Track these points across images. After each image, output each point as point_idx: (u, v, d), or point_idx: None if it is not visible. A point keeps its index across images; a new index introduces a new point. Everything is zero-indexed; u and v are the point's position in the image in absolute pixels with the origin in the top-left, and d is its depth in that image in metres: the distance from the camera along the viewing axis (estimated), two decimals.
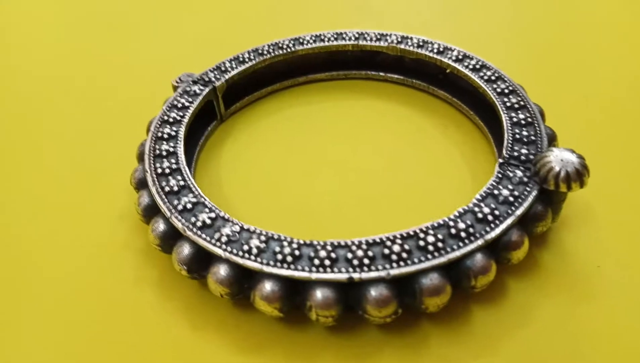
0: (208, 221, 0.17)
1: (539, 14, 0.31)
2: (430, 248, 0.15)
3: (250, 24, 0.31)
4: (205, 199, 0.17)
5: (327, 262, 0.15)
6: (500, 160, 0.18)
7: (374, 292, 0.15)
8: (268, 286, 0.15)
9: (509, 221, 0.16)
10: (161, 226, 0.17)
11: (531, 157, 0.18)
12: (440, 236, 0.15)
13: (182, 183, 0.18)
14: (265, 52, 0.25)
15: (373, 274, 0.15)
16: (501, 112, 0.20)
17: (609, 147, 0.22)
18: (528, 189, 0.17)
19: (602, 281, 0.17)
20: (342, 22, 0.30)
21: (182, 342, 0.16)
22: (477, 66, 0.23)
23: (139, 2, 0.36)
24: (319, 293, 0.15)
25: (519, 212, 0.16)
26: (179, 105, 0.22)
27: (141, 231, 0.19)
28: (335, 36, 0.26)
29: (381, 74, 0.26)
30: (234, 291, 0.16)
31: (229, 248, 0.16)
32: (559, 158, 0.17)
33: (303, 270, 0.15)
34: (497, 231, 0.16)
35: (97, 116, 0.25)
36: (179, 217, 0.17)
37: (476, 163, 0.21)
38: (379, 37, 0.25)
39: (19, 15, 0.36)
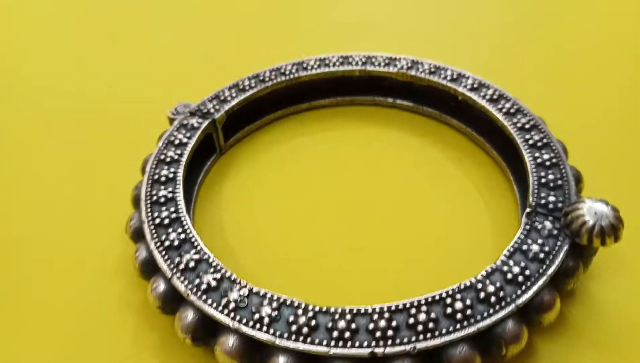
0: (213, 284, 0.15)
1: (560, 38, 0.30)
2: (459, 316, 0.14)
3: (250, 47, 0.30)
4: (209, 256, 0.16)
5: (346, 334, 0.14)
6: (528, 209, 0.17)
7: None
8: (282, 360, 0.14)
9: (541, 281, 0.15)
10: (162, 286, 0.16)
11: (559, 205, 0.17)
12: (468, 302, 0.14)
13: (182, 235, 0.17)
14: (266, 79, 0.23)
15: (398, 348, 0.13)
16: (523, 152, 0.19)
17: (635, 187, 0.20)
18: (559, 243, 0.16)
19: (638, 336, 0.16)
20: (349, 43, 0.28)
21: None
22: (495, 97, 0.21)
23: (130, 23, 0.34)
24: None
25: (550, 271, 0.15)
26: (176, 141, 0.20)
27: (138, 286, 0.17)
28: (341, 60, 0.24)
29: (389, 100, 0.24)
30: None
31: (238, 317, 0.14)
32: (592, 211, 0.15)
33: (321, 343, 0.14)
34: (529, 293, 0.14)
35: (88, 152, 0.24)
36: (182, 278, 0.15)
37: (495, 202, 0.20)
38: (387, 61, 0.24)
39: (13, 47, 0.33)
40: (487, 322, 0.14)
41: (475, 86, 0.22)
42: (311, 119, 0.25)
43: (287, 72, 0.24)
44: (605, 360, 0.16)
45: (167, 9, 0.35)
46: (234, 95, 0.23)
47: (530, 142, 0.19)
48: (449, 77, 0.22)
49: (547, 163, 0.18)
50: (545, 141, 0.19)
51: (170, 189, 0.18)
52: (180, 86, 0.26)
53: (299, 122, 0.24)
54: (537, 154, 0.19)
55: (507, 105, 0.21)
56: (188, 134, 0.21)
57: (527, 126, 0.20)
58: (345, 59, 0.24)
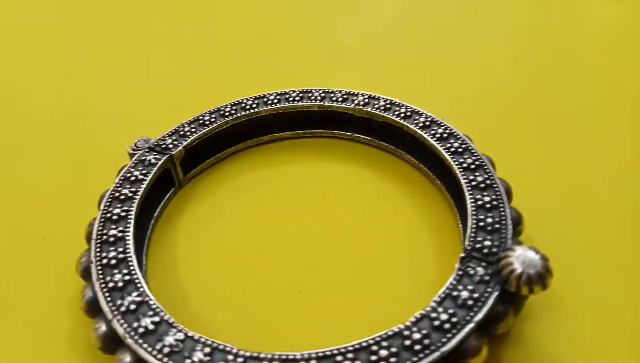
0: (151, 327, 0.16)
1: (518, 83, 0.30)
2: None
3: (211, 82, 0.30)
4: (150, 299, 0.16)
5: None
6: (462, 254, 0.17)
7: None
8: None
9: (467, 329, 0.15)
10: (103, 327, 0.16)
11: (494, 250, 0.17)
12: (393, 349, 0.15)
13: (127, 277, 0.17)
14: (227, 113, 0.24)
15: None
16: (465, 192, 0.19)
17: (577, 228, 0.21)
18: (489, 290, 0.16)
19: None
20: (311, 78, 0.29)
21: None
22: (445, 135, 0.22)
23: (91, 59, 0.34)
24: None
25: (478, 318, 0.15)
26: (132, 178, 0.21)
27: (89, 324, 0.18)
28: (300, 95, 0.25)
29: (348, 133, 0.25)
30: None
31: (170, 361, 0.15)
32: (521, 259, 0.16)
33: None
34: (454, 341, 0.15)
35: (48, 184, 0.24)
36: (122, 321, 0.16)
37: (442, 240, 0.20)
38: (345, 97, 0.24)
39: None
40: None
41: (427, 123, 0.22)
42: (272, 152, 0.25)
43: (248, 106, 0.24)
44: None
45: (132, 45, 0.36)
46: (194, 130, 0.23)
47: (474, 182, 0.20)
48: (402, 114, 0.23)
49: (488, 205, 0.19)
50: (488, 182, 0.20)
51: (120, 228, 0.19)
52: (144, 121, 0.27)
53: (259, 154, 0.25)
54: (478, 196, 0.19)
55: (456, 144, 0.21)
56: (144, 171, 0.21)
57: (472, 166, 0.20)
58: (305, 94, 0.25)
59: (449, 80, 0.30)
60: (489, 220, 0.18)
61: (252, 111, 0.24)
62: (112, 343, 0.16)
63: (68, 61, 0.34)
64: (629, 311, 0.18)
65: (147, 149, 0.22)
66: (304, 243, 0.21)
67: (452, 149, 0.21)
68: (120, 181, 0.21)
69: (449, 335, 0.15)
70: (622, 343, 0.17)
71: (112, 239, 0.18)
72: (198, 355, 0.15)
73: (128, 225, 0.19)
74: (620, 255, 0.20)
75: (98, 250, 0.18)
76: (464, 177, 0.20)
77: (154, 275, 0.19)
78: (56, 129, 0.28)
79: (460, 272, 0.17)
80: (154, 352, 0.15)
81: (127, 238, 0.18)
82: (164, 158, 0.22)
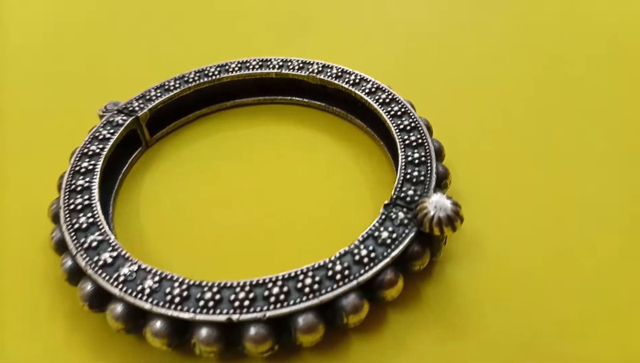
0: (109, 260, 0.18)
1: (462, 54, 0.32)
2: (307, 290, 0.17)
3: (176, 51, 0.32)
4: (110, 237, 0.19)
5: (210, 304, 0.16)
6: (387, 201, 0.19)
7: (251, 331, 0.16)
8: (157, 324, 0.16)
9: (383, 263, 0.17)
10: (69, 262, 0.18)
11: (416, 198, 0.19)
12: (317, 278, 0.17)
13: (91, 219, 0.19)
14: (190, 80, 0.26)
15: (251, 315, 0.16)
16: (399, 150, 0.21)
17: (502, 184, 0.23)
18: (406, 231, 0.18)
19: (477, 316, 0.18)
20: (269, 48, 0.31)
21: None
22: (387, 100, 0.24)
23: (70, 28, 0.36)
24: (202, 332, 0.16)
25: (394, 254, 0.18)
26: (100, 136, 0.23)
27: (56, 263, 0.20)
28: (260, 63, 0.27)
29: (305, 100, 0.27)
30: (129, 327, 0.17)
31: (124, 288, 0.17)
32: (434, 204, 0.18)
33: (188, 310, 0.16)
34: (370, 273, 0.17)
35: (26, 142, 0.26)
36: (84, 255, 0.18)
37: (379, 192, 0.22)
38: (301, 65, 0.26)
39: None
40: (330, 295, 0.17)
41: (373, 90, 0.24)
42: (234, 117, 0.27)
43: (210, 73, 0.26)
44: (447, 332, 0.18)
45: (105, 13, 0.37)
46: (159, 94, 0.25)
47: (407, 141, 0.22)
48: (352, 81, 0.25)
49: (417, 161, 0.21)
50: (420, 141, 0.22)
51: (87, 179, 0.21)
52: (113, 87, 0.29)
53: (222, 119, 0.27)
54: (409, 153, 0.21)
55: (396, 108, 0.23)
56: (112, 130, 0.23)
57: (408, 127, 0.22)
58: (264, 62, 0.27)
59: (397, 50, 0.32)
60: (415, 173, 0.20)
61: (214, 78, 0.26)
62: (75, 275, 0.18)
63: (47, 26, 0.36)
64: (537, 257, 0.20)
65: (116, 112, 0.24)
66: (258, 195, 0.23)
67: (392, 113, 0.23)
68: (90, 139, 0.23)
69: (366, 268, 0.17)
70: (529, 285, 0.19)
71: (79, 188, 0.21)
72: (148, 282, 0.17)
73: (94, 177, 0.21)
74: (533, 209, 0.22)
75: (66, 197, 0.20)
76: (399, 136, 0.22)
77: (120, 221, 0.22)
78: (34, 92, 0.30)
79: (383, 216, 0.19)
80: (111, 281, 0.17)
81: (93, 187, 0.21)
82: (130, 119, 0.24)
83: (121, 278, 0.17)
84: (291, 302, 0.16)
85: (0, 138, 0.27)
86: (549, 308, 0.18)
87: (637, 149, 0.24)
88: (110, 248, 0.18)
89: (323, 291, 0.17)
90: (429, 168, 0.21)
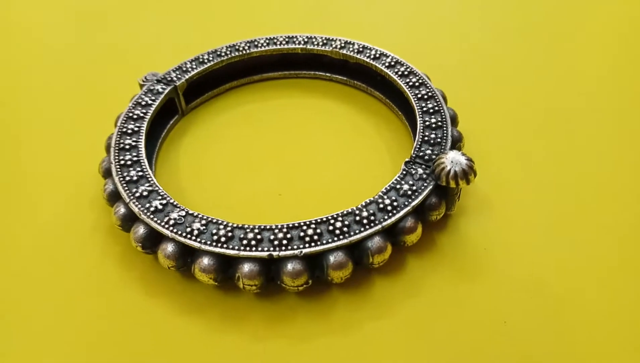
0: (160, 207, 0.20)
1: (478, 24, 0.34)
2: (337, 232, 0.19)
3: (210, 27, 0.34)
4: (159, 188, 0.21)
5: (253, 242, 0.19)
6: (407, 159, 0.21)
7: (289, 266, 0.18)
8: (205, 260, 0.19)
9: (405, 210, 0.19)
10: (122, 209, 0.21)
11: (433, 157, 0.21)
12: (346, 222, 0.19)
13: (140, 173, 0.21)
14: (222, 54, 0.28)
15: (289, 252, 0.18)
16: (417, 117, 0.23)
17: (510, 149, 0.25)
18: (425, 184, 0.20)
19: (486, 263, 0.21)
20: (297, 25, 0.33)
21: (137, 306, 0.19)
22: (406, 72, 0.26)
23: (109, 6, 0.38)
24: (245, 267, 0.18)
25: (414, 203, 0.20)
26: (143, 103, 0.25)
27: (108, 214, 0.22)
28: (286, 40, 0.29)
29: (327, 74, 0.29)
30: (179, 264, 0.19)
31: (175, 230, 0.19)
32: (450, 159, 0.20)
33: (233, 248, 0.18)
34: (393, 218, 0.19)
35: (72, 110, 0.29)
36: (136, 202, 0.20)
37: (400, 156, 0.25)
38: (325, 41, 0.28)
39: None
40: (358, 236, 0.19)
41: (392, 63, 0.26)
42: (262, 89, 0.29)
43: (241, 48, 0.28)
44: (458, 275, 0.20)
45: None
46: (194, 66, 0.27)
47: (425, 109, 0.24)
48: (372, 56, 0.27)
49: (434, 125, 0.23)
50: (436, 108, 0.24)
51: (134, 139, 0.23)
52: (151, 59, 0.31)
53: (251, 91, 0.29)
54: (427, 118, 0.23)
55: (414, 80, 0.25)
56: (153, 98, 0.25)
57: (425, 96, 0.24)
58: (290, 39, 0.29)
59: (416, 26, 0.34)
60: (433, 136, 0.22)
61: (244, 52, 0.28)
62: (129, 221, 0.20)
63: (89, 7, 0.38)
64: (540, 214, 0.22)
65: (155, 81, 0.26)
66: (286, 158, 0.25)
67: (411, 84, 0.25)
68: (134, 105, 0.25)
69: (390, 214, 0.19)
70: (532, 238, 0.21)
71: (127, 146, 0.23)
72: (196, 225, 0.19)
73: (140, 137, 0.23)
74: (538, 173, 0.24)
75: (116, 154, 0.22)
76: (417, 105, 0.24)
77: (162, 177, 0.24)
78: (82, 66, 0.32)
79: (404, 172, 0.21)
80: (162, 224, 0.19)
81: (140, 146, 0.23)
82: (169, 88, 0.26)
83: (171, 222, 0.19)
84: (324, 242, 0.19)
85: (51, 104, 0.29)
86: (549, 258, 0.21)
87: None
88: (159, 197, 0.20)
89: (352, 233, 0.19)
90: (445, 132, 0.23)
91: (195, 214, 0.20)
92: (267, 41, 0.29)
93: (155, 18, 0.36)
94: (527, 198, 0.23)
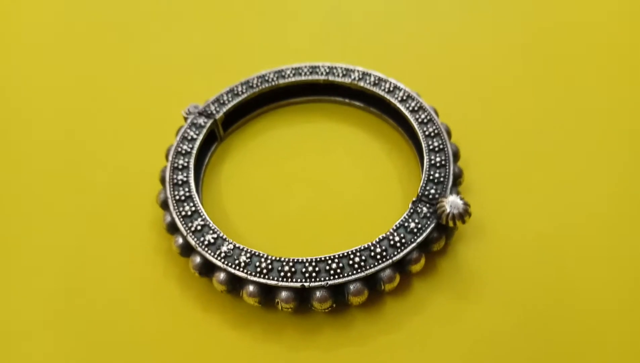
0: (212, 241, 0.25)
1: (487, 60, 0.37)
2: (356, 266, 0.23)
3: (240, 56, 0.37)
4: (210, 222, 0.25)
5: (289, 274, 0.23)
6: (414, 198, 0.25)
7: (317, 294, 0.23)
8: (250, 288, 0.23)
9: (411, 246, 0.24)
10: (180, 240, 0.25)
11: (437, 196, 0.25)
12: (363, 257, 0.24)
13: (193, 208, 0.26)
14: (254, 85, 0.31)
15: (317, 283, 0.23)
16: (425, 155, 0.27)
17: (505, 180, 0.29)
18: (428, 222, 0.25)
19: (483, 283, 0.25)
20: (316, 52, 0.36)
21: (194, 321, 0.24)
22: (416, 108, 0.29)
23: (142, 33, 0.41)
24: (283, 294, 0.23)
25: (419, 239, 0.24)
26: (189, 137, 0.29)
27: (166, 238, 0.27)
28: (310, 70, 0.32)
29: (346, 100, 0.33)
30: (229, 289, 0.24)
31: (225, 262, 0.24)
32: (450, 203, 0.24)
33: (273, 279, 0.23)
34: (402, 254, 0.24)
35: (122, 138, 0.33)
36: (192, 236, 0.25)
37: (408, 186, 0.29)
38: (345, 72, 0.32)
39: (30, 38, 0.41)
40: (373, 270, 0.23)
41: (404, 98, 0.30)
42: (288, 114, 0.33)
43: (270, 79, 0.32)
44: (458, 295, 0.25)
45: (172, 25, 0.42)
46: (229, 99, 0.31)
47: (431, 147, 0.28)
48: (387, 89, 0.30)
49: (438, 164, 0.27)
50: (441, 146, 0.27)
51: (185, 174, 0.27)
52: (186, 88, 0.35)
53: (279, 116, 0.33)
54: (432, 157, 0.27)
55: (423, 116, 0.29)
56: (197, 131, 0.29)
57: (432, 134, 0.28)
58: (313, 69, 0.32)
59: (428, 59, 0.37)
60: (437, 175, 0.26)
61: (273, 83, 0.32)
62: (186, 250, 0.25)
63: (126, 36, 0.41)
64: (532, 240, 0.26)
65: (197, 114, 0.30)
66: (311, 184, 0.29)
67: (420, 120, 0.29)
68: (181, 139, 0.29)
69: (399, 250, 0.24)
70: (524, 261, 0.26)
71: (180, 182, 0.27)
72: (242, 258, 0.24)
73: (190, 173, 0.27)
74: (530, 202, 0.28)
75: (171, 190, 0.27)
76: (424, 142, 0.28)
77: (207, 207, 0.28)
78: (124, 96, 0.36)
79: (411, 210, 0.25)
80: (215, 256, 0.24)
81: (191, 181, 0.27)
82: (210, 121, 0.30)
83: (222, 254, 0.24)
84: (345, 275, 0.23)
85: (106, 128, 0.33)
86: (541, 279, 0.25)
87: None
88: (211, 231, 0.25)
89: (368, 267, 0.23)
90: (447, 171, 0.27)
91: (241, 247, 0.24)
92: (293, 71, 0.32)
93: (186, 47, 0.39)
94: (520, 225, 0.27)
